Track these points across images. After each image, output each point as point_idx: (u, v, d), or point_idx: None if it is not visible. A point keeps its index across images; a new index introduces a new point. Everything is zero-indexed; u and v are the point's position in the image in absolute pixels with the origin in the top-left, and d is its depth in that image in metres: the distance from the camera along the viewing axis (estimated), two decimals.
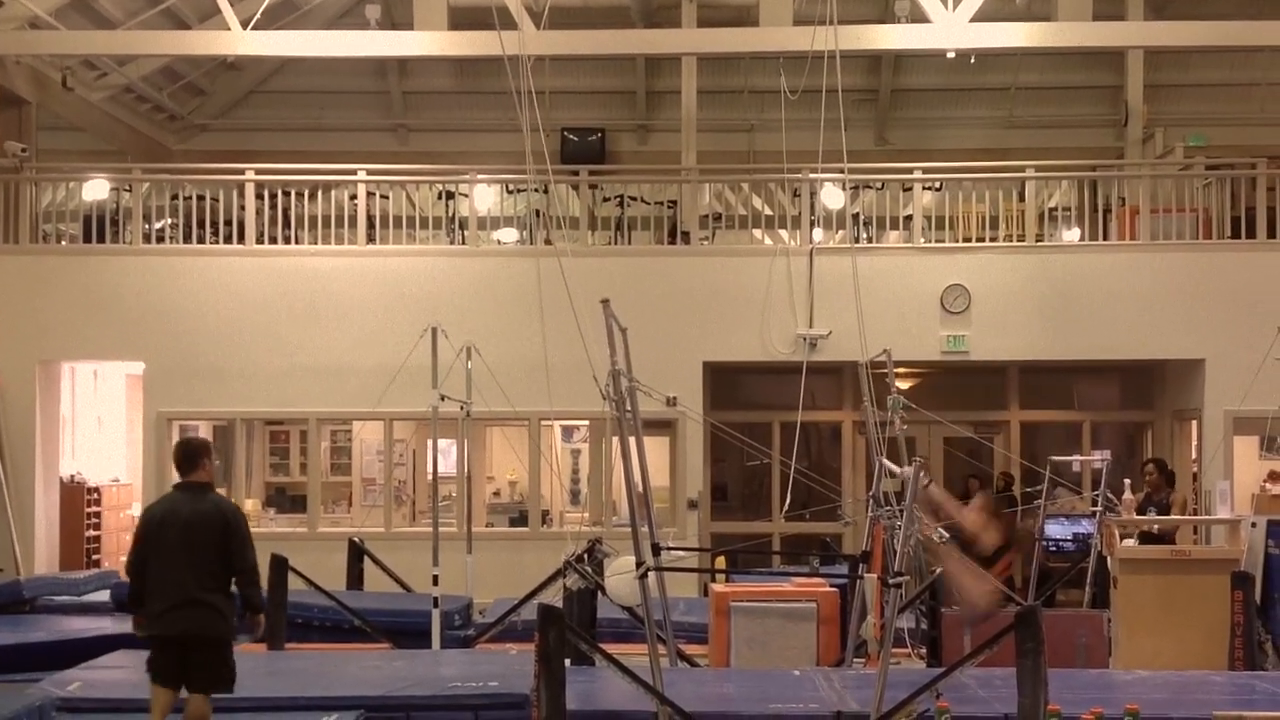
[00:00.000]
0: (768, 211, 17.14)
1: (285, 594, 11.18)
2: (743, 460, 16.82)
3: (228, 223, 16.67)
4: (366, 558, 13.33)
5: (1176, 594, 10.90)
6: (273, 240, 16.47)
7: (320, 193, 16.77)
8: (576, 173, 17.16)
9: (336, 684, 8.87)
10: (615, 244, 17.50)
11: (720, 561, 13.73)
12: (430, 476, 13.10)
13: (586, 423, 16.88)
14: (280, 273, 16.11)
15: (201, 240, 16.66)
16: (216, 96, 20.73)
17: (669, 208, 17.48)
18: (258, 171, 16.46)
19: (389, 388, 13.66)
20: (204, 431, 17.16)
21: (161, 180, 17.08)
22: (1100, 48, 17.38)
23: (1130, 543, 11.63)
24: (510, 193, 17.87)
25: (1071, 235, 17.28)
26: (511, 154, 13.11)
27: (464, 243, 16.78)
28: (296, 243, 16.53)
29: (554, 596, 10.56)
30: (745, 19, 17.16)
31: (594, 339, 8.54)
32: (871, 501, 10.70)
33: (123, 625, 11.39)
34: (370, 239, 16.58)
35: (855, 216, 17.08)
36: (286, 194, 16.74)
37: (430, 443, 12.71)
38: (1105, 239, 16.70)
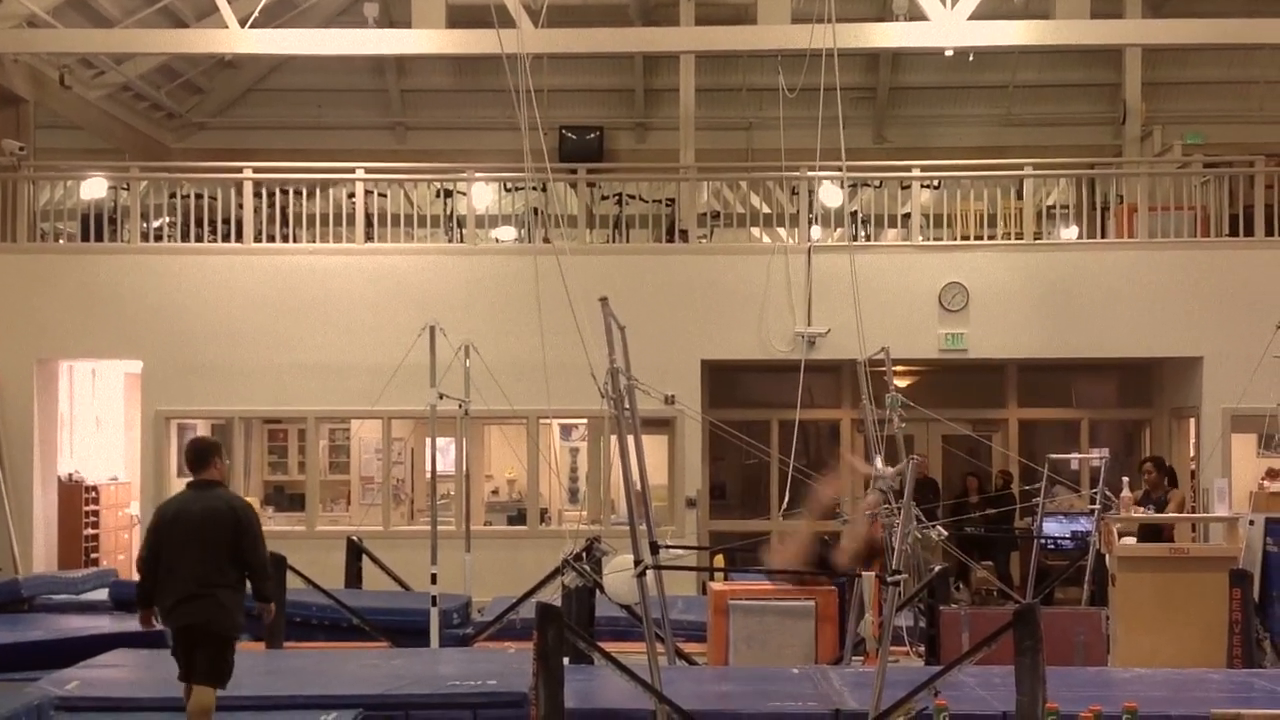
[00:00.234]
0: (766, 209, 17.14)
1: (284, 593, 11.17)
2: (741, 458, 16.82)
3: (226, 221, 16.68)
4: (365, 556, 13.34)
5: (1175, 592, 10.90)
6: (271, 239, 16.48)
7: (318, 191, 16.76)
8: (575, 171, 17.16)
9: (335, 682, 8.87)
10: (613, 242, 17.50)
11: (719, 560, 13.73)
12: (429, 475, 13.10)
13: (585, 421, 16.88)
14: (279, 271, 16.11)
15: (200, 239, 16.66)
16: (214, 95, 20.72)
17: (667, 206, 17.49)
18: (256, 170, 16.46)
19: (387, 386, 13.67)
20: (202, 430, 17.15)
21: (159, 179, 17.09)
22: (1098, 46, 17.39)
23: (1129, 540, 11.63)
24: (508, 191, 17.88)
25: (1070, 233, 17.29)
26: (509, 152, 13.09)
27: (462, 241, 16.78)
28: (295, 241, 16.53)
29: (552, 595, 10.57)
30: (743, 17, 17.14)
31: (592, 337, 8.52)
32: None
33: (121, 624, 11.44)
34: (368, 237, 16.59)
35: (853, 214, 17.10)
36: (285, 192, 16.75)
37: (429, 441, 12.71)
38: (1103, 237, 16.72)
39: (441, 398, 11.96)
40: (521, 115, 9.36)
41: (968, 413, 17.22)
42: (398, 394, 13.74)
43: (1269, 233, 16.04)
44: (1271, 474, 14.54)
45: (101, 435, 17.72)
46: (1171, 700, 8.31)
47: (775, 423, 16.35)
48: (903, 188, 17.01)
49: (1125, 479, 12.82)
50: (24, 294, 15.99)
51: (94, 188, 16.79)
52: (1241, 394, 13.72)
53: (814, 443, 17.77)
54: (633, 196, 17.66)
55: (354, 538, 13.57)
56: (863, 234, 17.01)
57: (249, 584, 7.80)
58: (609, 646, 8.18)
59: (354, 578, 13.29)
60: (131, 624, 11.32)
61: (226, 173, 16.77)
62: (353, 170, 16.62)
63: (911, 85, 20.24)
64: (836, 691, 8.52)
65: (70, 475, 16.69)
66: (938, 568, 11.49)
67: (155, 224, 16.79)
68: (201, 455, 7.88)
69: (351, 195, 16.70)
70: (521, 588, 12.11)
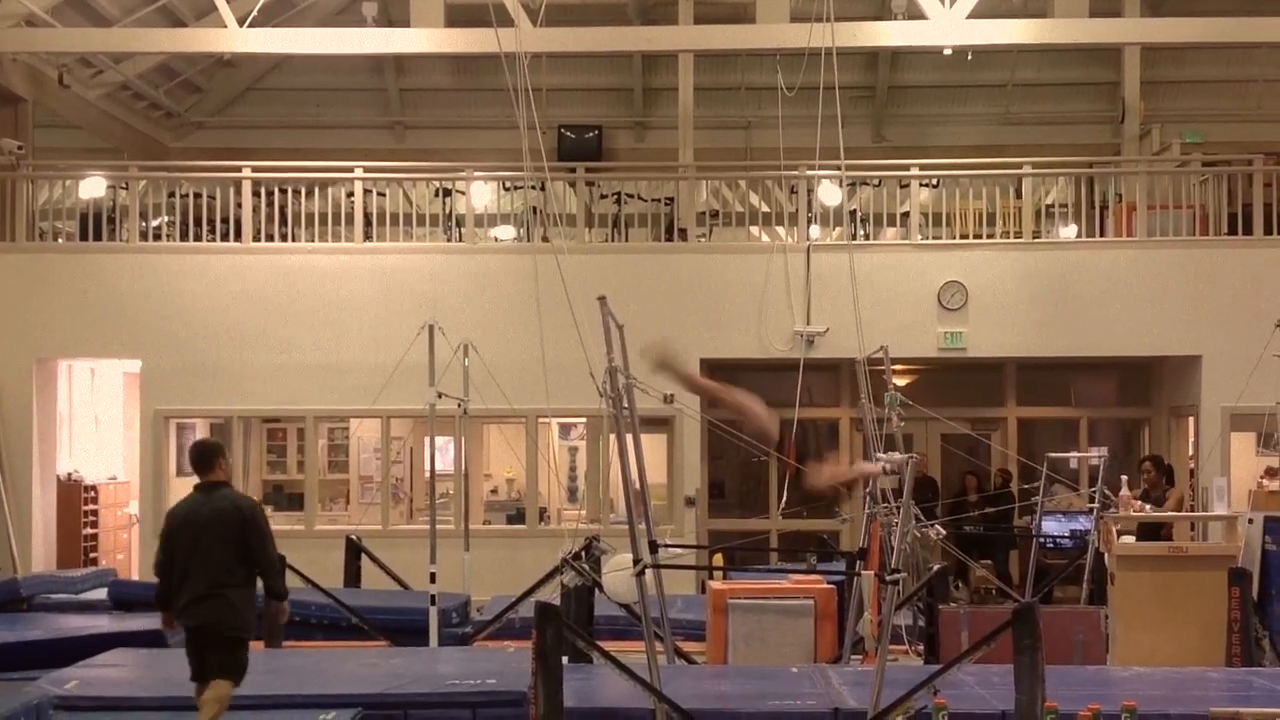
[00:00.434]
0: (765, 208, 17.14)
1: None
2: (740, 457, 16.81)
3: (224, 220, 16.67)
4: (364, 555, 13.34)
5: (1174, 590, 10.91)
6: (270, 238, 16.48)
7: (317, 190, 16.76)
8: (573, 170, 17.16)
9: (334, 682, 8.87)
10: (612, 241, 17.50)
11: (718, 559, 13.72)
12: (428, 474, 13.10)
13: (584, 420, 16.87)
14: (278, 270, 16.11)
15: (199, 238, 16.66)
16: (213, 94, 20.71)
17: (666, 205, 17.48)
18: (254, 169, 16.46)
19: (386, 385, 13.67)
20: (201, 429, 17.16)
21: (158, 178, 17.08)
22: (1097, 44, 17.38)
23: (1128, 539, 11.63)
24: (507, 190, 17.87)
25: (1068, 232, 17.29)
26: (508, 151, 13.10)
27: (461, 240, 16.78)
28: (294, 240, 16.53)
29: (551, 594, 10.57)
30: (742, 16, 17.13)
31: (591, 336, 8.52)
32: (868, 499, 10.70)
33: (120, 624, 11.46)
34: (367, 236, 16.59)
35: (852, 213, 17.09)
36: (283, 191, 16.75)
37: (428, 440, 12.72)
38: (1102, 235, 16.72)
39: (440, 397, 11.96)
40: (520, 114, 9.36)
41: (966, 411, 17.22)
42: (397, 393, 13.74)
43: (1268, 231, 16.04)
44: (1270, 472, 14.55)
45: (100, 435, 17.71)
46: (1170, 699, 8.32)
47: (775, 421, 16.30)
48: (901, 186, 17.01)
49: (1124, 478, 12.84)
50: (23, 293, 15.99)
51: (93, 187, 16.79)
52: (1240, 392, 13.72)
53: (813, 441, 17.77)
54: (631, 195, 17.66)
55: (353, 537, 13.57)
56: (861, 233, 17.01)
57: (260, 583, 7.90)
58: (608, 645, 8.18)
59: (353, 577, 13.29)
60: (130, 623, 11.39)
61: (225, 172, 16.76)
62: (351, 169, 16.62)
63: (910, 84, 20.24)
64: (835, 690, 8.52)
65: (69, 475, 16.69)
66: (937, 566, 11.52)
67: (154, 223, 16.79)
68: (205, 457, 7.94)
69: (350, 194, 16.70)
70: (520, 587, 12.11)
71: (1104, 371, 17.98)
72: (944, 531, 12.30)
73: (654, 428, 15.17)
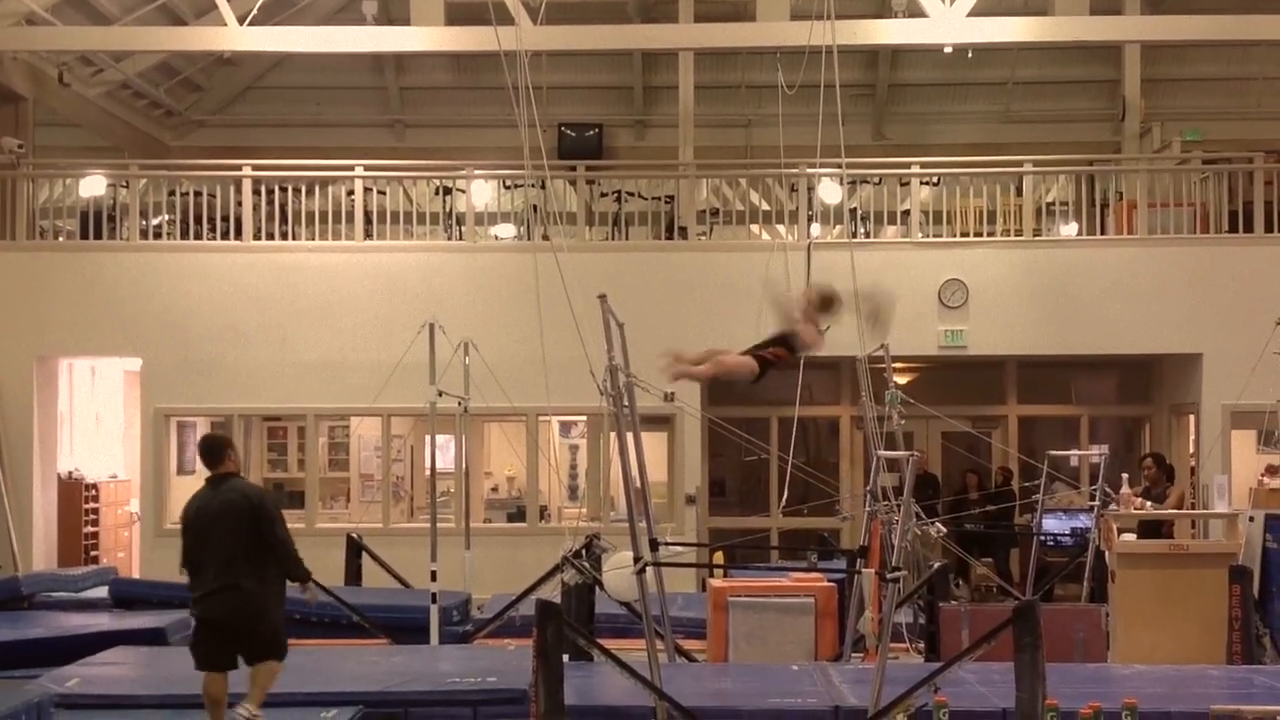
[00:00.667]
0: (765, 207, 17.14)
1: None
2: (740, 455, 16.82)
3: (225, 219, 16.67)
4: (365, 553, 13.35)
5: (1174, 588, 10.90)
6: (270, 236, 16.48)
7: (317, 188, 16.76)
8: (574, 168, 17.16)
9: (335, 680, 8.88)
10: (613, 239, 17.50)
11: (718, 557, 13.73)
12: (428, 472, 13.11)
13: (584, 418, 16.87)
14: (278, 269, 16.11)
15: (199, 236, 16.66)
16: (213, 92, 20.71)
17: (666, 203, 17.47)
18: (255, 167, 16.46)
19: (387, 383, 13.68)
20: (202, 428, 17.13)
21: (158, 176, 17.08)
22: (1097, 42, 17.36)
23: (1128, 537, 11.63)
24: (507, 188, 17.87)
25: (1069, 230, 17.29)
26: (509, 149, 13.07)
27: (461, 238, 16.78)
28: (294, 239, 16.54)
29: (552, 592, 10.58)
30: (742, 14, 17.14)
31: (591, 334, 8.53)
32: (869, 496, 10.71)
33: (121, 622, 11.46)
34: (368, 235, 16.59)
35: (853, 211, 17.09)
36: (284, 190, 16.75)
37: (428, 438, 12.72)
38: (1103, 233, 16.72)
39: (441, 395, 11.97)
40: (520, 112, 9.36)
41: (967, 409, 17.21)
42: (397, 391, 13.74)
43: (1268, 229, 16.04)
44: (1271, 470, 14.55)
45: (101, 433, 17.72)
46: (1171, 696, 8.32)
47: (774, 420, 16.34)
48: (902, 184, 17.01)
49: (1125, 475, 12.83)
50: (23, 292, 15.99)
51: (93, 185, 16.79)
52: (1241, 390, 13.71)
53: (813, 440, 17.78)
54: (632, 194, 17.65)
55: (354, 535, 13.58)
56: (862, 231, 17.00)
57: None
58: (609, 644, 8.19)
59: (354, 575, 13.30)
60: (131, 621, 11.41)
61: (226, 170, 16.76)
62: (352, 168, 16.61)
63: (911, 82, 20.23)
64: (836, 688, 8.53)
65: (70, 473, 16.69)
66: (937, 564, 11.52)
67: (154, 222, 16.79)
68: (214, 450, 8.07)
69: (351, 193, 16.69)
70: (521, 585, 12.12)
71: (1105, 369, 17.98)
72: (944, 529, 12.31)
73: (654, 426, 15.17)
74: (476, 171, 16.85)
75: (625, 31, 17.41)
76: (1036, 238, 16.47)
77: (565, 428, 17.56)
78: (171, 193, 17.01)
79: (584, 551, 10.74)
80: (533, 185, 16.20)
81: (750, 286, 15.87)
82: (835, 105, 10.99)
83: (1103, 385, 18.38)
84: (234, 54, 17.11)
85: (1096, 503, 12.53)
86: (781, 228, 17.03)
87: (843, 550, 13.78)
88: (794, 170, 16.15)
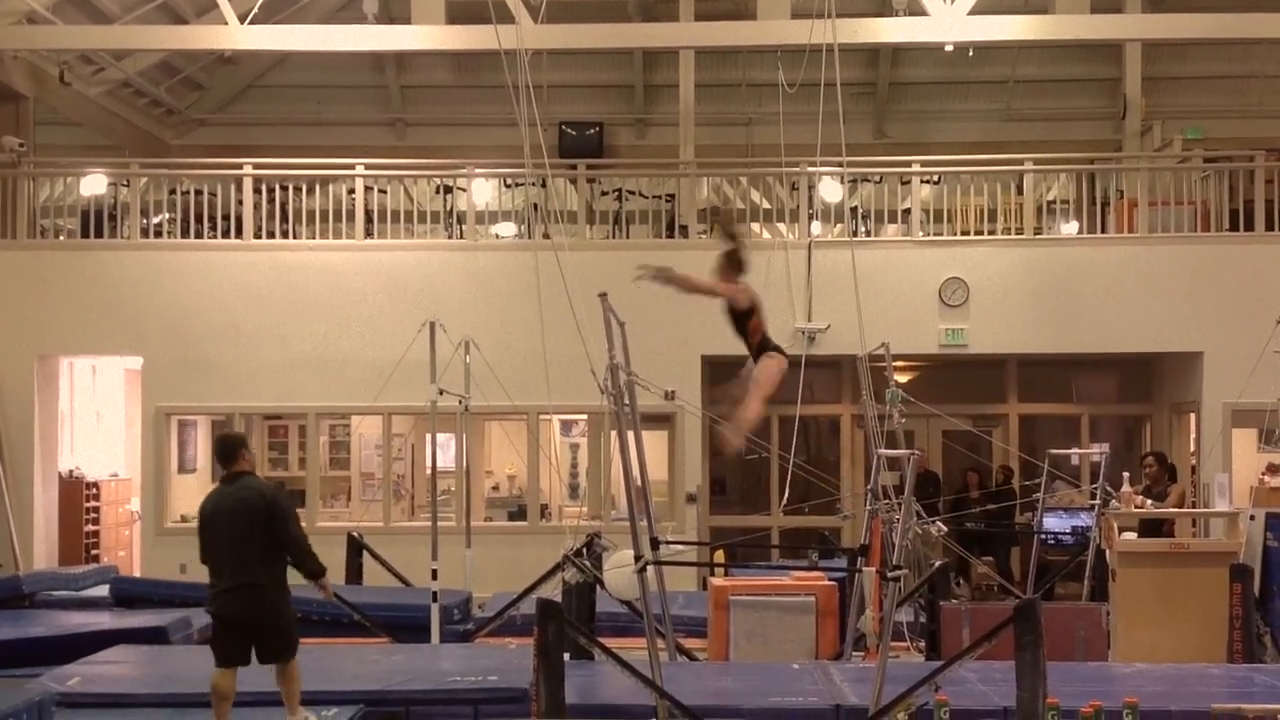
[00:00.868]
0: (766, 205, 17.14)
1: None
2: (741, 454, 16.81)
3: (225, 217, 16.68)
4: (365, 552, 13.34)
5: (1175, 587, 10.91)
6: (271, 235, 16.48)
7: (318, 187, 16.76)
8: (574, 167, 17.15)
9: (336, 679, 8.87)
10: (613, 238, 17.50)
11: (719, 555, 13.74)
12: (429, 471, 13.11)
13: (585, 417, 16.87)
14: (278, 267, 16.11)
15: (200, 235, 16.66)
16: (214, 91, 20.70)
17: (667, 201, 17.47)
18: (256, 166, 16.46)
19: (388, 382, 13.68)
20: (203, 426, 17.18)
21: (159, 175, 17.08)
22: (1098, 40, 17.35)
23: (1129, 536, 11.63)
24: (508, 187, 17.88)
25: (1070, 228, 17.29)
26: (509, 148, 13.08)
27: (462, 237, 16.78)
28: (295, 237, 16.54)
29: (553, 591, 10.57)
30: (743, 12, 17.13)
31: (592, 333, 8.53)
32: (870, 495, 10.71)
33: (122, 620, 11.46)
34: (368, 233, 16.59)
35: (853, 210, 17.09)
36: (284, 188, 16.75)
37: (429, 437, 12.72)
38: (1103, 232, 16.72)
39: (442, 393, 11.98)
40: (521, 111, 9.37)
41: (968, 408, 17.22)
42: (398, 390, 13.74)
43: (1269, 228, 16.03)
44: (1272, 469, 14.56)
45: (102, 431, 17.72)
46: (1172, 695, 8.32)
47: (775, 418, 16.29)
48: (903, 183, 17.00)
49: (1125, 474, 12.83)
50: (24, 290, 15.99)
51: (94, 184, 16.80)
52: (1242, 389, 13.71)
53: (814, 438, 17.78)
54: (633, 192, 17.65)
55: (354, 534, 13.57)
56: (863, 229, 17.00)
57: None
58: (609, 642, 8.19)
59: (354, 574, 13.30)
60: (132, 620, 11.40)
61: (226, 169, 16.76)
62: (353, 166, 16.61)
63: (911, 80, 20.22)
64: (837, 687, 8.53)
65: (71, 471, 16.70)
66: (938, 563, 11.52)
67: (155, 220, 16.79)
68: (229, 449, 8.15)
69: (351, 191, 16.69)
70: (522, 584, 12.12)
71: (1105, 368, 17.98)
72: (945, 528, 12.30)
73: (655, 424, 15.19)
74: (477, 170, 16.86)
75: (626, 30, 17.41)
76: (1037, 236, 16.47)
77: (566, 426, 17.56)
78: (172, 191, 17.01)
79: (585, 550, 10.74)
80: (533, 184, 16.20)
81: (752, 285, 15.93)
82: (836, 104, 10.98)
83: (1103, 384, 18.38)
84: (235, 53, 17.12)
85: (1097, 501, 12.52)
86: (782, 226, 17.03)
87: (843, 549, 13.79)
88: (795, 169, 16.15)
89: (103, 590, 13.19)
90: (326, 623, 11.69)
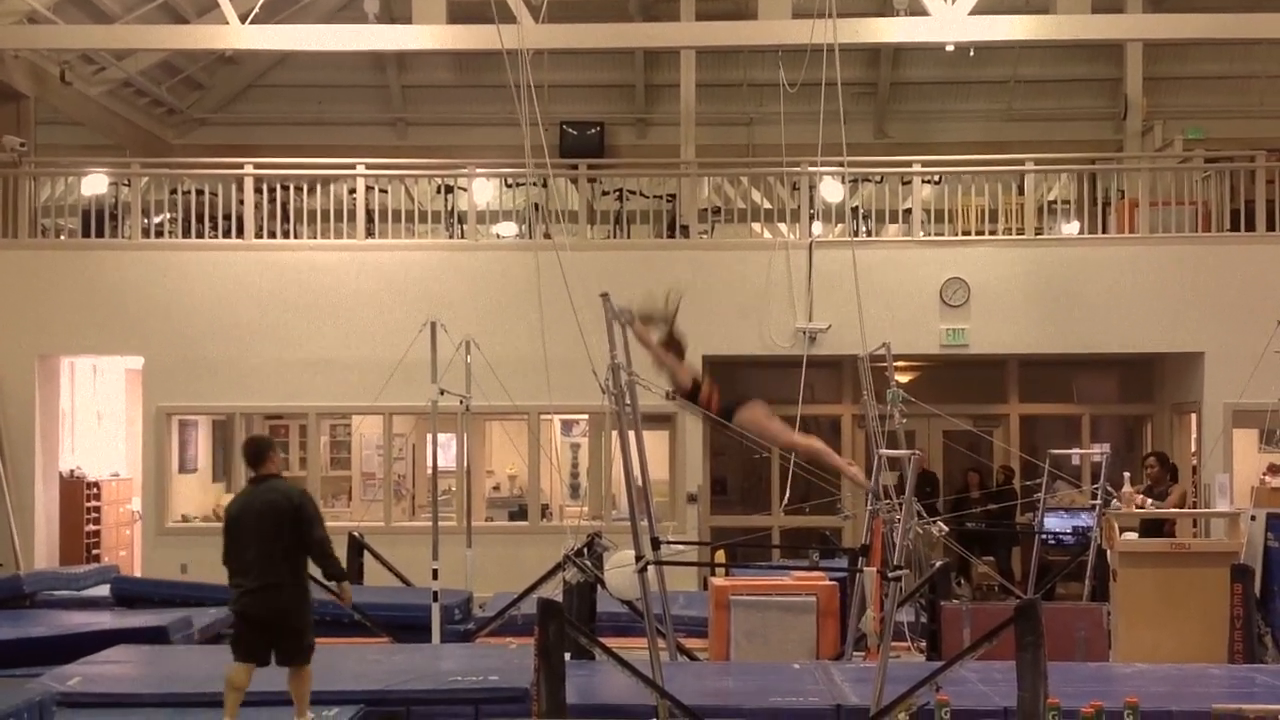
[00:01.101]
0: (767, 205, 17.13)
1: None
2: (742, 454, 16.82)
3: (226, 217, 16.68)
4: (366, 552, 13.34)
5: (1176, 587, 10.91)
6: (272, 234, 16.49)
7: (319, 187, 16.76)
8: (575, 166, 17.15)
9: (336, 678, 8.86)
10: (614, 238, 17.49)
11: (720, 555, 13.74)
12: (430, 471, 13.11)
13: (586, 417, 16.88)
14: (279, 267, 16.11)
15: (201, 235, 16.66)
16: (215, 91, 20.71)
17: (668, 201, 17.47)
18: (257, 166, 16.46)
19: (388, 382, 13.67)
20: (204, 426, 17.20)
21: (160, 175, 17.08)
22: (1099, 40, 17.36)
23: (1130, 536, 11.63)
24: (509, 187, 17.88)
25: (1071, 228, 17.29)
26: (510, 148, 13.08)
27: (463, 237, 16.78)
28: (296, 237, 16.55)
29: (554, 591, 10.58)
30: (744, 12, 17.14)
31: (593, 333, 8.53)
32: (870, 495, 10.70)
33: (122, 620, 11.45)
34: (369, 233, 16.59)
35: (854, 210, 17.08)
36: (285, 188, 16.75)
37: (430, 437, 12.73)
38: (1104, 232, 16.71)
39: (442, 393, 11.98)
40: (522, 111, 9.36)
41: (969, 408, 17.21)
42: (399, 390, 13.74)
43: (1270, 228, 16.02)
44: (1273, 469, 14.56)
45: (103, 431, 17.73)
46: (1173, 695, 8.32)
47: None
48: (904, 183, 17.00)
49: (1126, 474, 12.84)
50: (25, 290, 15.99)
51: (95, 184, 16.80)
52: (1243, 389, 13.72)
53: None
54: (633, 192, 17.65)
55: (355, 533, 13.56)
56: (864, 229, 16.99)
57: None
58: (610, 642, 8.19)
59: (355, 573, 13.27)
60: (133, 620, 11.40)
61: (227, 168, 16.76)
62: (354, 166, 16.61)
63: (912, 80, 20.23)
64: (838, 687, 8.52)
65: (72, 471, 16.70)
66: (939, 563, 11.52)
67: (156, 220, 16.79)
68: (258, 451, 8.19)
69: (352, 191, 16.69)
70: (523, 583, 12.12)
71: (1106, 368, 17.97)
72: (946, 528, 12.30)
73: (656, 424, 15.19)
74: (478, 170, 16.86)
75: (627, 30, 17.42)
76: (1038, 236, 16.47)
77: (567, 426, 17.57)
78: (173, 191, 17.01)
79: (585, 550, 10.74)
80: (534, 184, 16.21)
81: (752, 285, 15.96)
82: (837, 103, 10.98)
83: (1104, 384, 18.37)
84: (236, 52, 17.13)
85: (1098, 501, 12.52)
86: (783, 226, 17.03)
87: (844, 549, 13.78)
88: (795, 169, 16.15)
89: (103, 590, 13.18)
90: (327, 622, 11.62)
